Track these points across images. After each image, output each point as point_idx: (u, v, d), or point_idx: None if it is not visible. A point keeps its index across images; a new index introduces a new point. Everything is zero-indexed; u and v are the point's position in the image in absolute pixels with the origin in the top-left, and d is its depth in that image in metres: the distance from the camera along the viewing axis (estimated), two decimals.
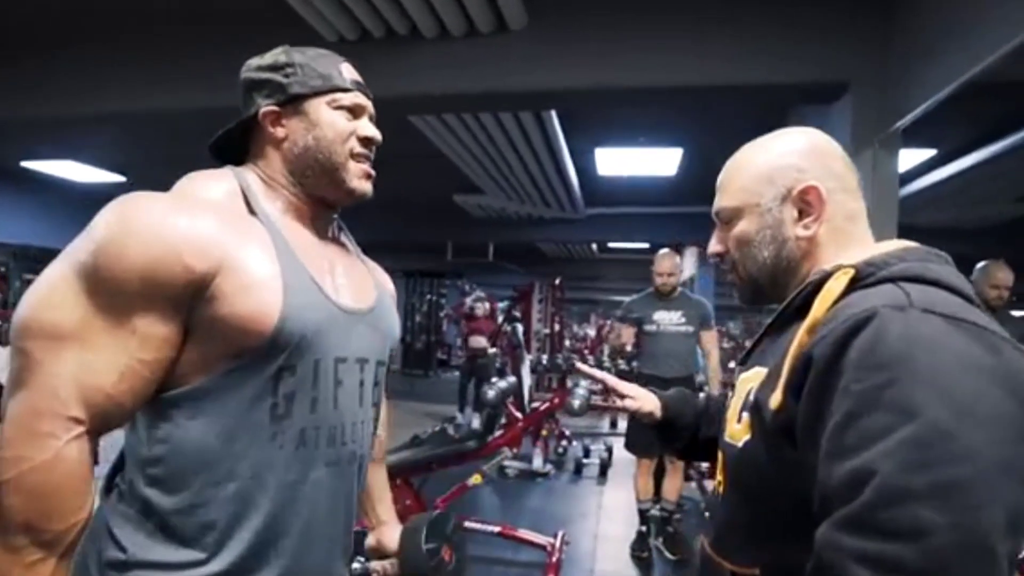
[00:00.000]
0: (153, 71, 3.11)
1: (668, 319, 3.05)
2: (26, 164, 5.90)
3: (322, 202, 0.84)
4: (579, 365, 1.06)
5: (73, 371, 0.63)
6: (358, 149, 0.82)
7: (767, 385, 0.61)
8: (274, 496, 0.72)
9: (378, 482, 1.05)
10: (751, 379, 0.66)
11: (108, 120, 3.48)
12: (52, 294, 0.65)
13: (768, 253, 0.70)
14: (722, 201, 0.74)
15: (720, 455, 0.72)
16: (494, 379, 3.02)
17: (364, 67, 2.76)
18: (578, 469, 4.17)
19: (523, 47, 2.71)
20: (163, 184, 0.77)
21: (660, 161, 4.93)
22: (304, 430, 0.74)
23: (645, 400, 0.98)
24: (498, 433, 2.94)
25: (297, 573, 0.75)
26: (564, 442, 4.54)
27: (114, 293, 0.65)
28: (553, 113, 3.94)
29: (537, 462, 3.90)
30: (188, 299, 0.67)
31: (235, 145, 0.84)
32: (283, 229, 0.77)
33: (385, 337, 0.88)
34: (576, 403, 2.75)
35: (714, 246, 0.76)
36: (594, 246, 9.70)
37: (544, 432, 4.09)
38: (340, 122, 0.81)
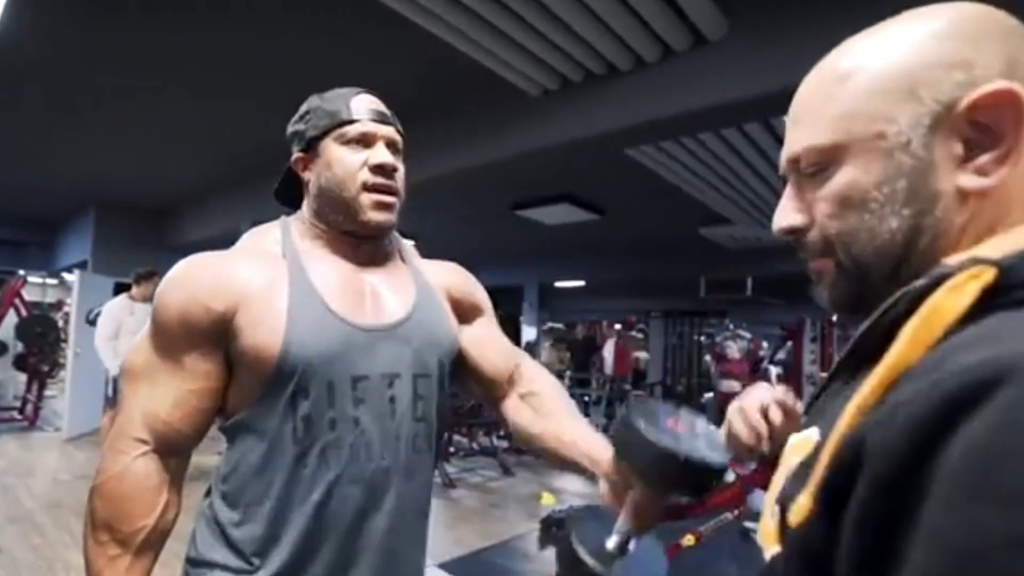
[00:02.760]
0: (420, 143, 3.73)
1: None
2: None
3: (352, 235, 0.85)
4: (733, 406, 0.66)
5: (141, 402, 0.77)
6: (371, 180, 0.82)
7: (799, 475, 0.37)
8: (304, 514, 0.77)
9: (577, 432, 0.88)
10: (799, 449, 0.40)
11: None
12: (140, 341, 0.81)
13: (899, 222, 0.40)
14: (805, 137, 0.44)
15: None
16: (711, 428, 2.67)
17: (571, 112, 2.86)
18: None
19: (724, 57, 2.47)
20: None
21: None
22: (325, 449, 0.77)
23: None
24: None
25: None
26: None
27: (163, 334, 0.78)
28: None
29: None
30: (218, 336, 0.76)
31: (295, 188, 0.91)
32: (309, 264, 0.82)
33: (423, 347, 0.85)
34: None
35: (788, 216, 0.46)
36: None
37: None
38: (348, 157, 0.82)
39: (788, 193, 0.47)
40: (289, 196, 0.93)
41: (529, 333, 8.85)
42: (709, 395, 5.72)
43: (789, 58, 2.31)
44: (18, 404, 7.01)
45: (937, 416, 0.27)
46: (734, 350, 5.92)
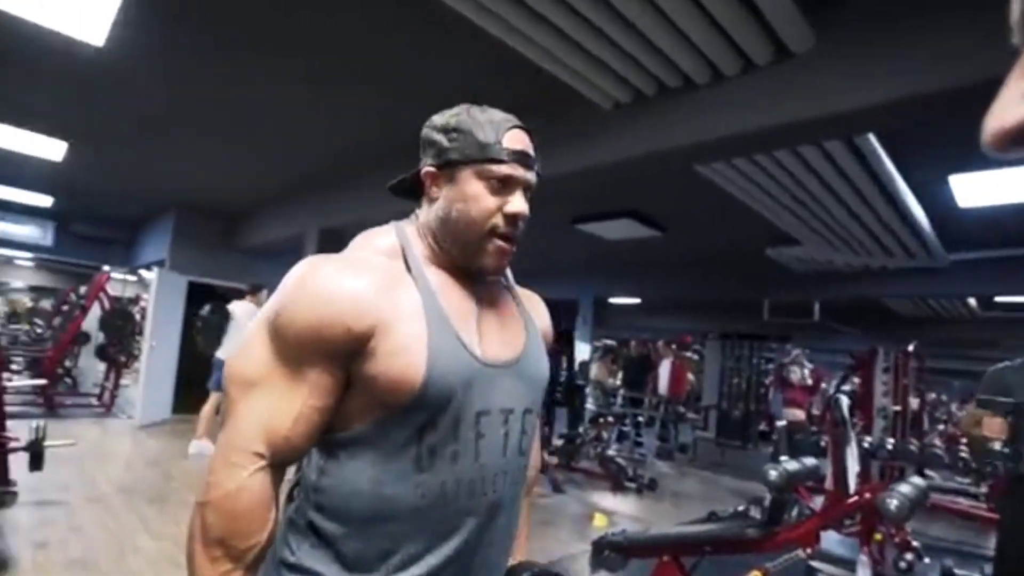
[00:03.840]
0: None
1: None
2: None
3: (467, 267, 0.85)
4: None
5: (259, 414, 0.74)
6: (502, 228, 0.82)
7: None
8: (422, 541, 0.77)
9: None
10: None
11: None
12: (248, 346, 0.77)
13: None
14: None
15: None
16: (782, 458, 2.53)
17: (642, 127, 2.81)
18: None
19: (809, 71, 2.37)
20: None
21: None
22: (445, 483, 0.77)
23: None
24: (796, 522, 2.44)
25: None
26: (909, 554, 3.45)
27: (290, 347, 0.75)
28: (874, 141, 3.29)
29: (863, 574, 3.04)
30: (349, 354, 0.75)
31: (413, 188, 0.90)
32: (434, 286, 0.81)
33: (532, 384, 0.88)
34: (892, 504, 2.07)
35: (1019, 106, 0.28)
36: (972, 301, 7.51)
37: (878, 536, 3.19)
38: (485, 198, 0.81)
39: (1017, 74, 0.26)
40: (403, 191, 0.92)
41: (583, 350, 8.70)
42: (782, 423, 5.45)
43: (878, 75, 2.20)
44: (97, 391, 7.46)
45: None
46: (799, 377, 5.64)
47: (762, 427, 9.23)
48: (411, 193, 0.91)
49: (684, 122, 2.80)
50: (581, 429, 6.39)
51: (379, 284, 0.77)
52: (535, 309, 0.98)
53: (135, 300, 10.87)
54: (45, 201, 7.32)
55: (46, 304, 13.18)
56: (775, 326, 8.43)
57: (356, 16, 2.72)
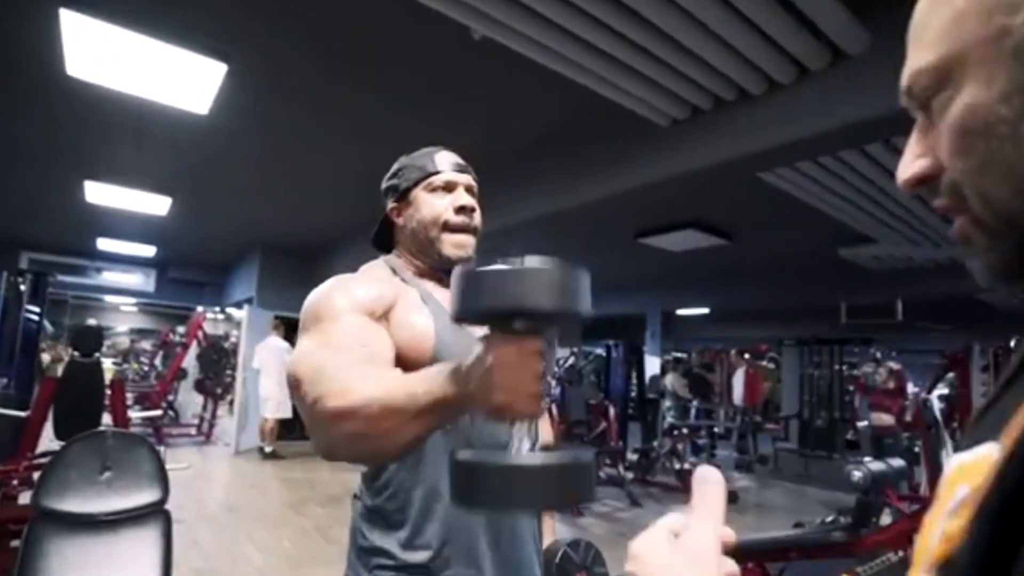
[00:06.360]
0: (549, 176, 3.94)
1: None
2: None
3: (438, 266, 1.02)
4: None
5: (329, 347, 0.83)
6: (453, 220, 0.99)
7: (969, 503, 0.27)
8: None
9: None
10: (971, 473, 0.28)
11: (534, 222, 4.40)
12: (297, 347, 0.88)
13: None
14: (916, 61, 0.36)
15: None
16: (866, 459, 2.49)
17: (701, 140, 2.88)
18: None
19: (868, 71, 2.38)
20: None
21: None
22: (468, 438, 0.91)
23: None
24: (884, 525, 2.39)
25: (483, 555, 0.90)
26: None
27: (334, 311, 0.87)
28: None
29: None
30: (381, 312, 0.90)
31: (387, 238, 1.10)
32: (427, 289, 0.99)
33: None
34: None
35: (909, 165, 0.37)
36: None
37: None
38: (434, 202, 1.00)
39: (912, 138, 0.38)
40: (382, 243, 1.11)
41: (652, 364, 8.61)
42: (864, 424, 5.23)
43: None
44: (196, 422, 8.06)
45: None
46: (882, 380, 5.39)
47: (849, 436, 8.78)
48: (388, 245, 1.09)
49: (743, 133, 2.85)
50: (655, 443, 6.34)
51: (389, 285, 0.96)
52: None
53: (225, 337, 11.69)
54: (149, 251, 8.09)
55: (144, 345, 14.34)
56: (854, 328, 8.05)
57: (430, 51, 2.97)
